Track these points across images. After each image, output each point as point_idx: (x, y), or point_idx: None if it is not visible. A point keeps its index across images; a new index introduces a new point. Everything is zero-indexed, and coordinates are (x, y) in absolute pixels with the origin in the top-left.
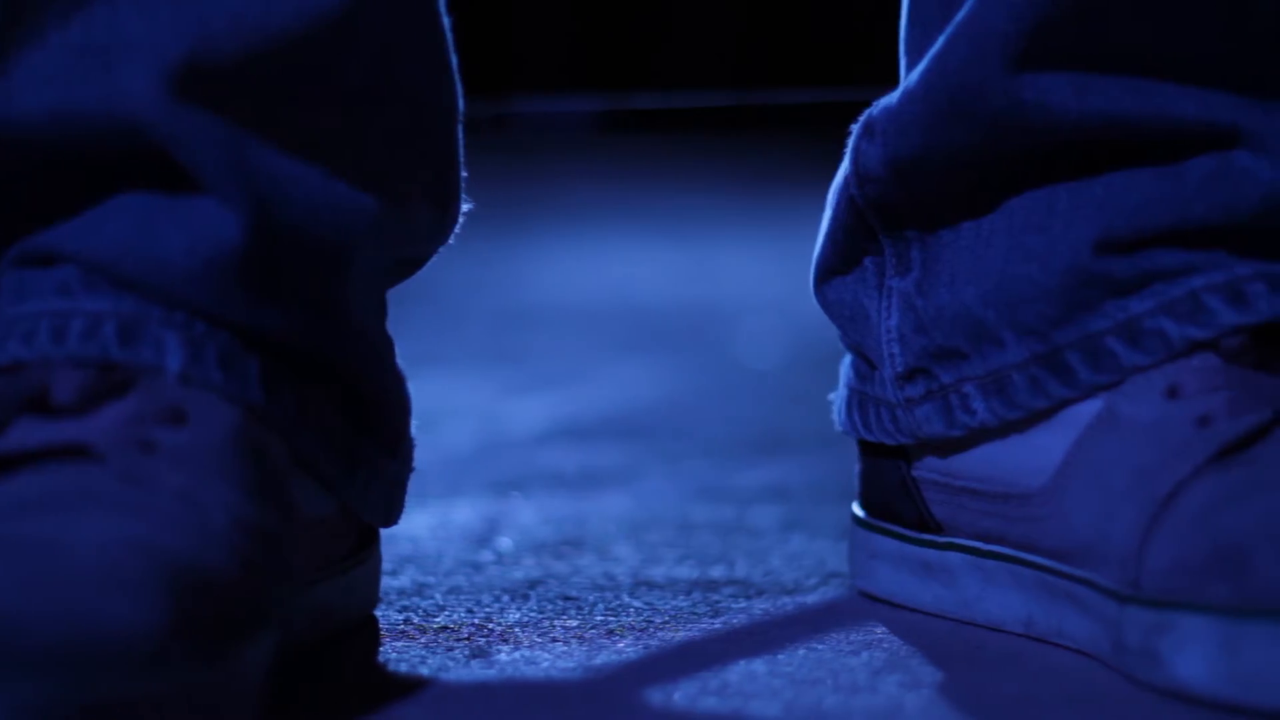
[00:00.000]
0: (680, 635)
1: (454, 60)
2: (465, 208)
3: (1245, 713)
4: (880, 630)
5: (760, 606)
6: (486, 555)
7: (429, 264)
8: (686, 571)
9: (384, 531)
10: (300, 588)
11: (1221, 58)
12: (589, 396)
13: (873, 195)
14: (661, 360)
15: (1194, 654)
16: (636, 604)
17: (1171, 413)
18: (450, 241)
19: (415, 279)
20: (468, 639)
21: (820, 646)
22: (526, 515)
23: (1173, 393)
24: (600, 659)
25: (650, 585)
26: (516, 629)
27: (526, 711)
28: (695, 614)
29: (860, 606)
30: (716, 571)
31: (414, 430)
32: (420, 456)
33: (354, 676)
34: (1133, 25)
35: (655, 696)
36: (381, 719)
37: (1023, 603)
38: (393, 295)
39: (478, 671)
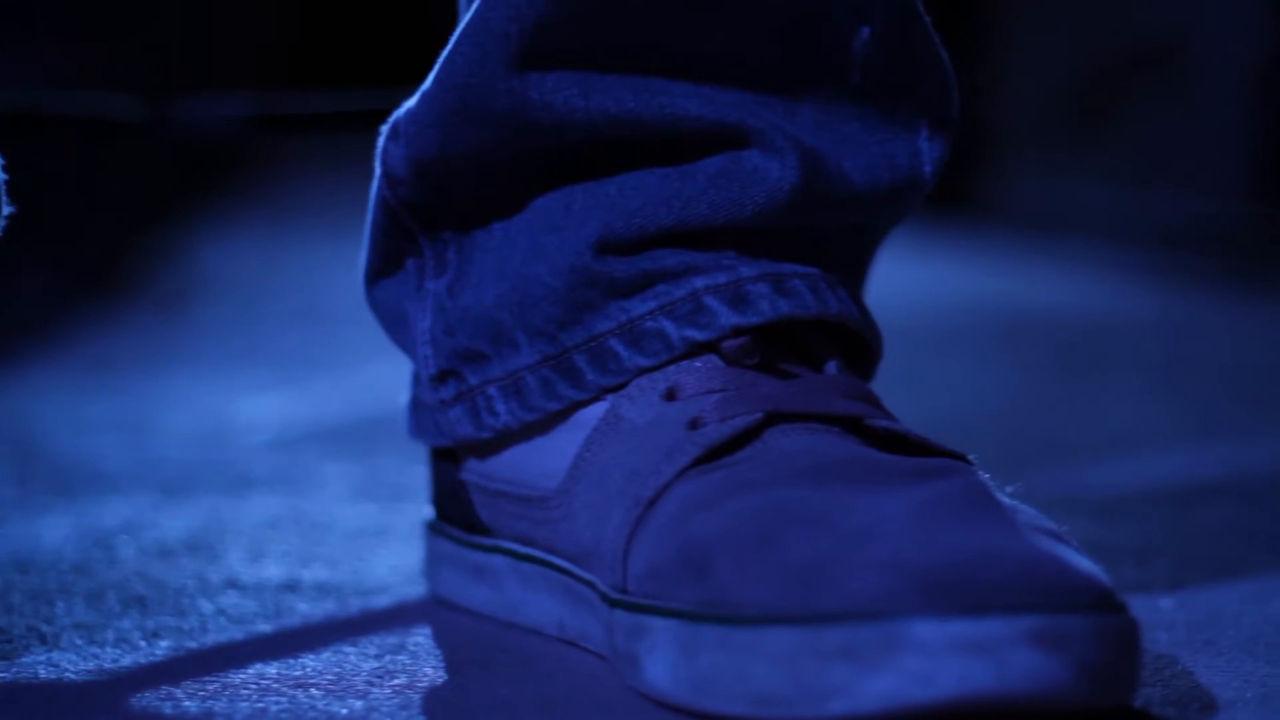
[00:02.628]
0: (223, 638)
1: None
2: (7, 210)
3: (701, 717)
4: (422, 634)
5: (325, 609)
6: (98, 556)
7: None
8: (280, 573)
9: (3, 532)
10: None
11: (731, 57)
12: (346, 398)
13: (403, 196)
14: None
15: (662, 658)
16: (205, 606)
17: (666, 414)
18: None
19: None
20: (10, 641)
21: (349, 650)
22: (172, 516)
23: (671, 394)
24: (126, 661)
25: (235, 586)
26: (66, 631)
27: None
28: (256, 616)
29: (424, 610)
30: (311, 574)
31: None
32: (120, 457)
33: None
34: (637, 25)
35: (146, 699)
36: None
37: (555, 606)
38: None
39: None
